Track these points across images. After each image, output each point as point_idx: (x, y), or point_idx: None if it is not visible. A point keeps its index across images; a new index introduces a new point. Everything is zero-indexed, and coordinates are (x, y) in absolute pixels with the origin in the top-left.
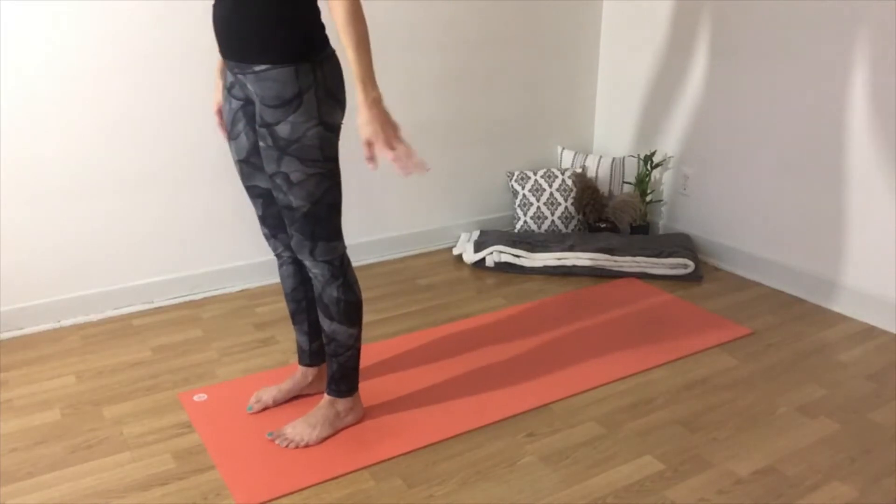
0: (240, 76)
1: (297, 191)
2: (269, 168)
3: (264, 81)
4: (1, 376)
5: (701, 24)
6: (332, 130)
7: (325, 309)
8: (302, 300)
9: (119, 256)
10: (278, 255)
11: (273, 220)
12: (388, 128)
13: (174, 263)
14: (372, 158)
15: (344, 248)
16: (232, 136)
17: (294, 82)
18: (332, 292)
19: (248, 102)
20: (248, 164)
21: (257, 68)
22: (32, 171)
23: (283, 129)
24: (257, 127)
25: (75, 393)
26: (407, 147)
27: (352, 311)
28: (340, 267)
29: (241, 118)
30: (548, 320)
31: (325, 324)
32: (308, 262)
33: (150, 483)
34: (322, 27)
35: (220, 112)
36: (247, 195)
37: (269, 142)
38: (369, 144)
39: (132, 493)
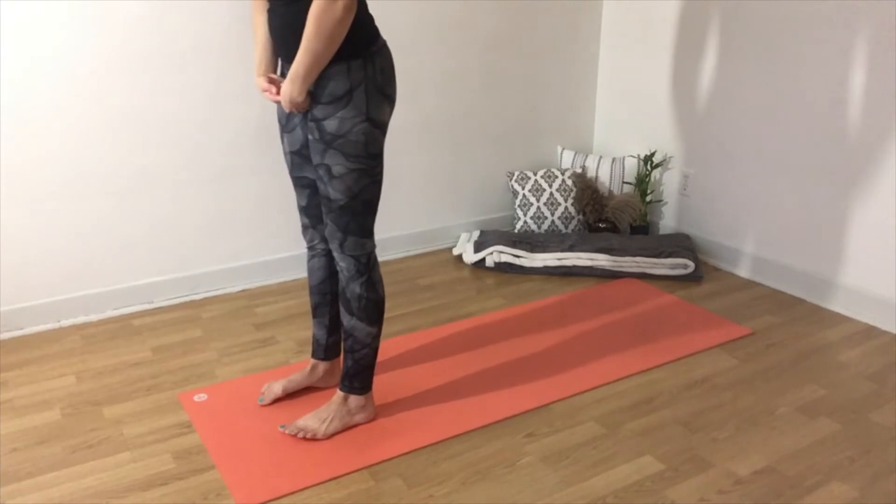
0: None
1: (336, 184)
2: (315, 159)
3: (319, 80)
4: (1, 376)
5: (701, 24)
6: (378, 127)
7: (347, 304)
8: (327, 293)
9: (119, 256)
10: (311, 247)
11: (314, 211)
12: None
13: (174, 263)
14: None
15: (373, 246)
16: (286, 129)
17: (346, 79)
18: (356, 288)
19: None
20: (300, 156)
21: None
22: (33, 171)
23: (330, 124)
24: (308, 121)
25: (75, 393)
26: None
27: (373, 309)
28: (367, 264)
29: (297, 113)
30: (548, 320)
31: (346, 319)
32: (336, 254)
33: (150, 483)
34: (371, 20)
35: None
36: (292, 185)
37: (317, 135)
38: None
39: (132, 493)
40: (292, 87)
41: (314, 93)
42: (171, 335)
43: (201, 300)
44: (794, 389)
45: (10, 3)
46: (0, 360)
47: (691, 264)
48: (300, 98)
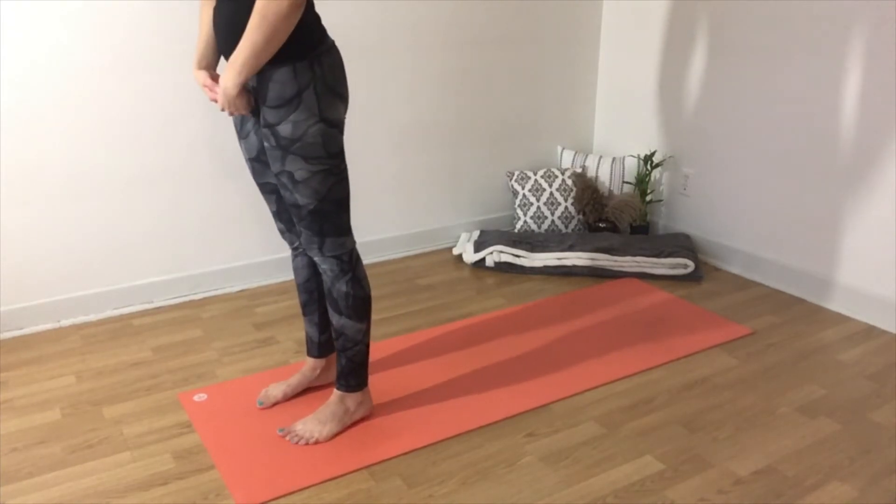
0: None
1: (302, 189)
2: (275, 167)
3: (264, 83)
4: (1, 376)
5: (701, 24)
6: (334, 126)
7: (335, 304)
8: (314, 291)
9: (119, 256)
10: (294, 248)
11: (287, 216)
12: (232, 101)
13: (174, 263)
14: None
15: (353, 243)
16: (242, 136)
17: (293, 81)
18: (342, 287)
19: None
20: (259, 162)
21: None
22: (32, 171)
23: (284, 129)
24: (261, 127)
25: (75, 393)
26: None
27: (360, 305)
28: (349, 262)
29: (250, 118)
30: (548, 320)
31: (335, 318)
32: (317, 258)
33: (150, 483)
34: (318, 19)
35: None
36: (259, 192)
37: (273, 142)
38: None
39: (132, 493)
40: (227, 74)
41: (262, 95)
42: (171, 335)
43: (201, 300)
44: (794, 389)
45: (10, 3)
46: (0, 360)
47: (691, 264)
48: (233, 90)
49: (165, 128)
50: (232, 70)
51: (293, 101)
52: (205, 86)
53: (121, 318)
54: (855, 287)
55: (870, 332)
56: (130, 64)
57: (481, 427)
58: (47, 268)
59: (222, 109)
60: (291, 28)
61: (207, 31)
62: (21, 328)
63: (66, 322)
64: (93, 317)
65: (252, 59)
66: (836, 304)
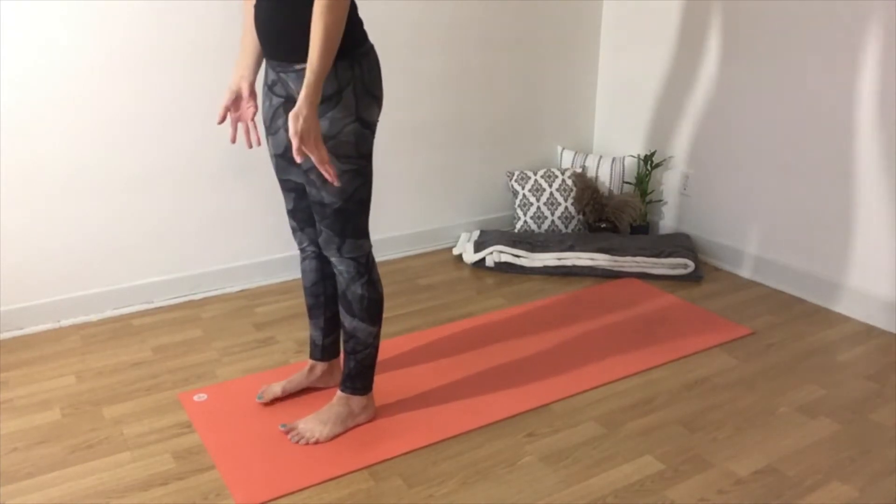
0: (282, 75)
1: (330, 186)
2: (305, 164)
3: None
4: (1, 376)
5: (701, 24)
6: (368, 127)
7: (348, 306)
8: (321, 295)
9: (119, 256)
10: (302, 250)
11: (302, 215)
12: (315, 131)
13: (174, 263)
14: (300, 152)
15: (370, 245)
16: (271, 132)
17: (333, 79)
18: (357, 289)
19: (288, 100)
20: (285, 159)
21: (298, 67)
22: (33, 170)
23: (321, 126)
24: None
25: (75, 393)
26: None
27: (374, 308)
28: (366, 264)
29: (282, 115)
30: (548, 320)
31: (347, 321)
32: (334, 259)
33: (150, 483)
34: (360, 22)
35: (226, 107)
36: (280, 188)
37: None
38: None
39: (132, 493)
40: (312, 103)
41: (299, 90)
42: (171, 335)
43: (201, 300)
44: (794, 389)
45: (10, 3)
46: (0, 360)
47: (691, 264)
48: (313, 119)
49: (165, 127)
50: (314, 87)
51: (332, 99)
52: (232, 107)
53: (121, 318)
54: (855, 287)
55: (870, 332)
56: (130, 64)
57: (481, 427)
58: (47, 268)
59: (297, 147)
60: (344, 23)
61: (250, 35)
62: (21, 328)
63: (66, 322)
64: (93, 317)
65: (328, 70)
66: (836, 305)
